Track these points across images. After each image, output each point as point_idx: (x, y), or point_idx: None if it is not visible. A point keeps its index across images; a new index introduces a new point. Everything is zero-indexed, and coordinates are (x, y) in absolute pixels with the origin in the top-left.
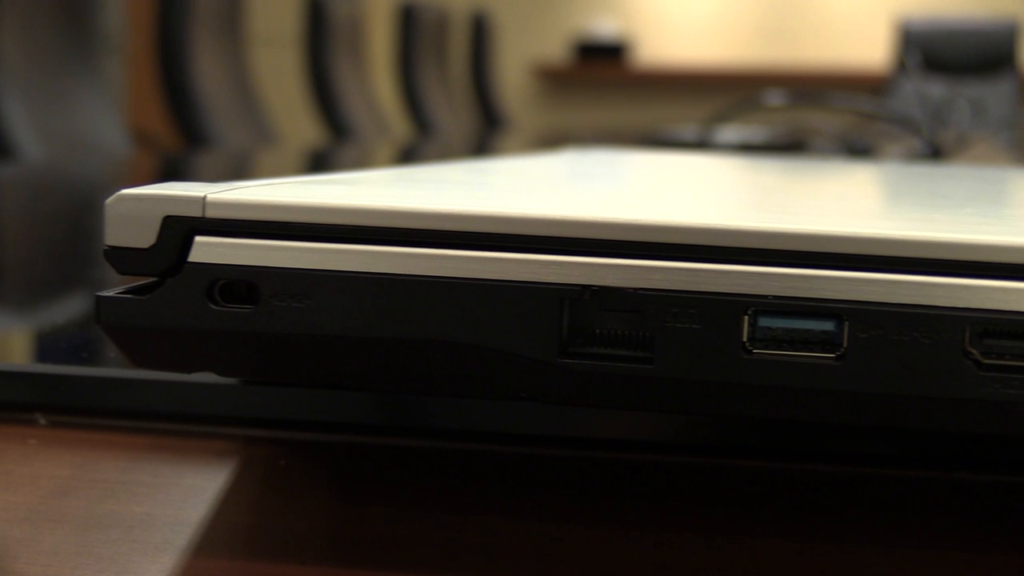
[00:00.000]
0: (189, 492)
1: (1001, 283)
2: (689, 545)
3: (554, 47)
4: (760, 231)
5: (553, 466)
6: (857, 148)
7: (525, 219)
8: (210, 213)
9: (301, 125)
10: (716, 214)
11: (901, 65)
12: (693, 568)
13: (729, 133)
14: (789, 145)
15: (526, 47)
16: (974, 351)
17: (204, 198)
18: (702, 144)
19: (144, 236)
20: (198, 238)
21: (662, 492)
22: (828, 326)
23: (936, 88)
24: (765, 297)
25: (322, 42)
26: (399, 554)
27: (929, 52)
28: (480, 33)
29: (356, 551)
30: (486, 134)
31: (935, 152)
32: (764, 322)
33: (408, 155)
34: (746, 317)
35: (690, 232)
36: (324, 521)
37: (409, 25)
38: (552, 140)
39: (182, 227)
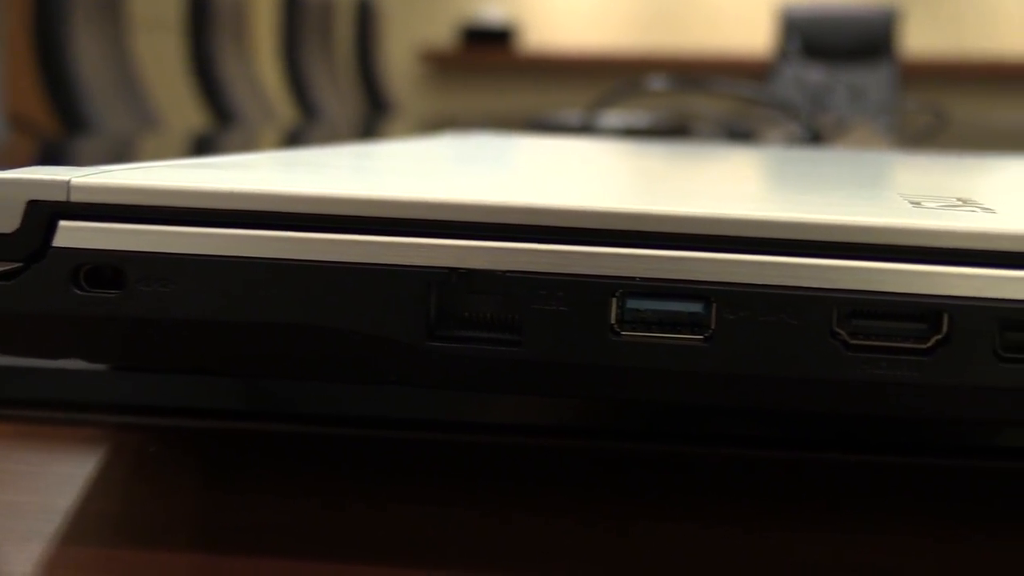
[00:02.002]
0: (58, 480)
1: (868, 264)
2: (554, 528)
3: (441, 32)
4: (627, 213)
5: (426, 451)
6: (738, 132)
7: (392, 202)
8: (75, 197)
9: (185, 110)
10: (584, 196)
11: (783, 51)
12: (577, 551)
13: (612, 118)
14: (672, 129)
15: (413, 32)
16: (841, 332)
17: (68, 182)
18: (586, 129)
19: (7, 221)
20: (62, 222)
21: (544, 475)
22: (696, 308)
23: (816, 74)
24: (633, 279)
25: (205, 27)
26: (269, 541)
27: (809, 38)
28: (366, 18)
29: (226, 538)
30: (373, 119)
31: (814, 136)
32: (632, 304)
33: (293, 140)
34: (614, 299)
35: (557, 214)
36: (193, 508)
37: (294, 9)
38: (439, 125)
39: (46, 211)
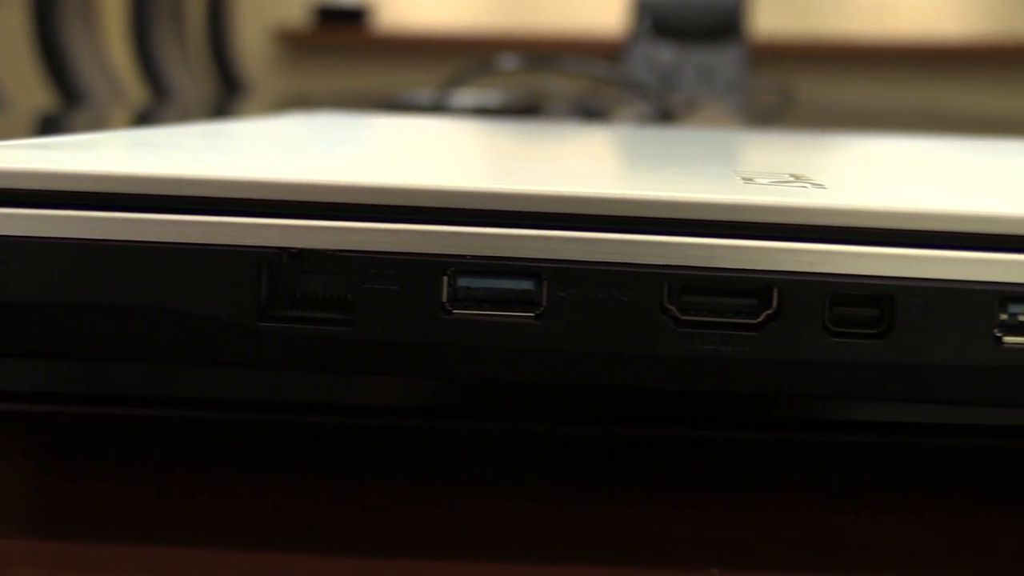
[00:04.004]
0: None
1: (698, 240)
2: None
3: (294, 12)
4: (457, 191)
5: (267, 432)
6: (591, 112)
7: (222, 182)
8: None
9: (30, 90)
10: (417, 175)
11: (634, 31)
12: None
13: (464, 97)
14: (524, 108)
15: (266, 12)
16: (672, 308)
17: None
18: (437, 108)
19: None
20: None
21: (392, 456)
22: (527, 285)
23: (666, 54)
24: (464, 257)
25: (52, 3)
26: (106, 526)
27: (660, 18)
28: None
29: (61, 523)
30: (226, 100)
31: (664, 115)
32: (463, 282)
33: (143, 120)
34: (445, 277)
35: (387, 193)
36: (28, 493)
37: None
38: (293, 105)
39: None
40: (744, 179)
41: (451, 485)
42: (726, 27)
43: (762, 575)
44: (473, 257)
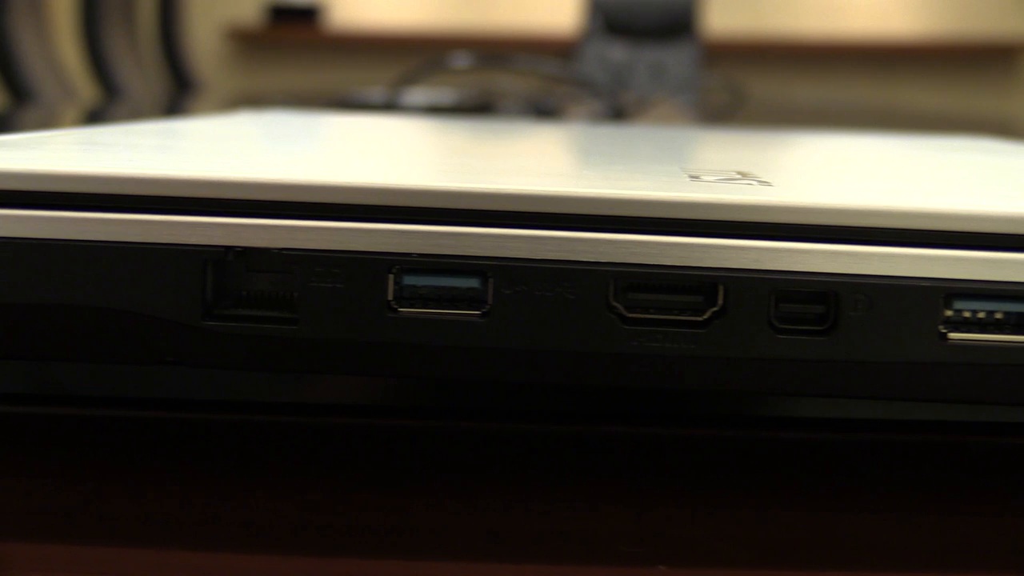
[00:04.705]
0: None
1: (643, 237)
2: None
3: (247, 10)
4: (402, 189)
5: (213, 431)
6: (543, 110)
7: (167, 180)
8: None
9: None
10: (363, 173)
11: (587, 29)
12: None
13: (417, 95)
14: (477, 107)
15: (218, 10)
16: (618, 305)
17: None
18: (389, 106)
19: None
20: None
21: (344, 455)
22: (473, 283)
23: (618, 52)
24: (410, 255)
25: None
26: (55, 526)
27: (612, 17)
28: None
29: (7, 524)
30: (178, 98)
31: (616, 113)
32: (409, 280)
33: (93, 119)
34: (391, 275)
35: (332, 191)
36: None
37: None
38: (245, 103)
39: None
40: (691, 176)
41: (401, 485)
42: (678, 26)
43: (713, 573)
44: (419, 255)
